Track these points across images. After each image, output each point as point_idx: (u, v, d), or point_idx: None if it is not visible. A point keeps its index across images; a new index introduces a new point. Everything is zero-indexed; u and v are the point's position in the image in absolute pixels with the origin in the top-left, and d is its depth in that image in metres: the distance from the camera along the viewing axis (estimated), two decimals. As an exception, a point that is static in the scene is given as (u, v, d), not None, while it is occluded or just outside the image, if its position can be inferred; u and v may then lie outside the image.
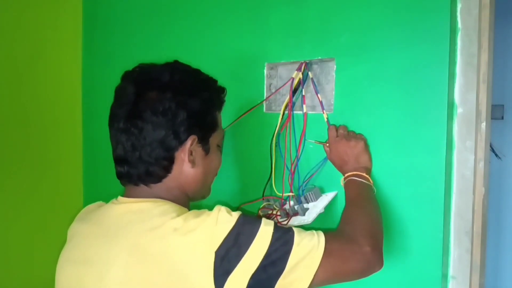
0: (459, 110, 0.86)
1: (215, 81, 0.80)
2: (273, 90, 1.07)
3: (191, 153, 0.73)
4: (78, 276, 0.70)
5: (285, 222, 0.91)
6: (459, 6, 0.85)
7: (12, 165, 1.27)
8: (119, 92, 0.74)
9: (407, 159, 0.87)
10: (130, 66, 0.78)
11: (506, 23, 1.89)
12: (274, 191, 0.99)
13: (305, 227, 0.91)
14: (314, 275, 0.64)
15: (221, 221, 0.64)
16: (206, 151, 0.77)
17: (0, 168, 1.23)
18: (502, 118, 2.00)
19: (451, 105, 0.85)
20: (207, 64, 1.17)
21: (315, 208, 0.91)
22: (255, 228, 0.65)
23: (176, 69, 0.76)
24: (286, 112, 0.98)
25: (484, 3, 0.85)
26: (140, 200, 0.72)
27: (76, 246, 0.73)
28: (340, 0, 0.94)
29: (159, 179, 0.73)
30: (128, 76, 0.75)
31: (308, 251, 0.65)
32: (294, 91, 0.97)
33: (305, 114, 0.96)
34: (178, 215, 0.66)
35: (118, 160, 0.73)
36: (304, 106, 0.96)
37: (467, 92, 0.85)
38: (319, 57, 0.97)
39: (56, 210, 1.38)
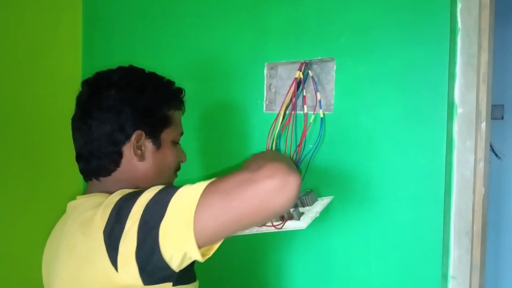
0: (459, 110, 0.86)
1: (172, 83, 0.85)
2: (273, 90, 1.07)
3: (138, 147, 0.77)
4: (45, 274, 0.78)
5: (279, 226, 0.90)
6: (459, 6, 0.85)
7: (12, 165, 1.27)
8: (78, 97, 0.80)
9: (407, 159, 0.87)
10: (130, 66, 0.78)
11: (506, 23, 1.89)
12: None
13: (299, 232, 0.90)
14: (195, 216, 0.58)
15: (109, 203, 0.66)
16: (157, 146, 0.79)
17: (0, 168, 1.23)
18: (502, 118, 2.00)
19: (451, 105, 0.85)
20: (207, 64, 1.17)
21: (310, 212, 0.90)
22: (136, 198, 0.63)
23: (128, 71, 0.81)
24: (287, 112, 0.98)
25: (484, 3, 0.85)
26: (88, 195, 0.77)
27: (47, 245, 0.80)
28: (340, 0, 0.94)
29: (108, 173, 0.77)
30: (85, 82, 0.81)
31: (186, 197, 0.60)
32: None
33: (305, 115, 0.96)
34: (96, 208, 0.67)
35: (77, 157, 0.79)
36: (305, 106, 0.96)
37: (467, 92, 0.85)
38: (319, 57, 0.97)
39: (56, 210, 1.38)
